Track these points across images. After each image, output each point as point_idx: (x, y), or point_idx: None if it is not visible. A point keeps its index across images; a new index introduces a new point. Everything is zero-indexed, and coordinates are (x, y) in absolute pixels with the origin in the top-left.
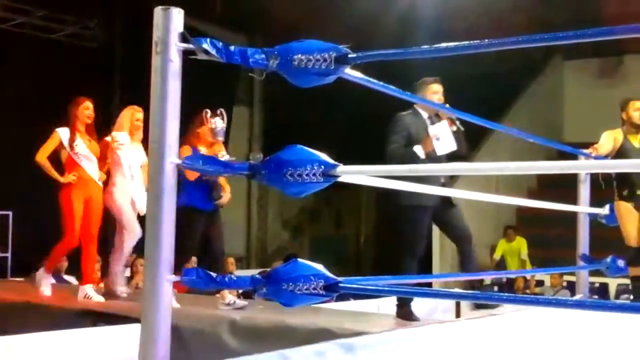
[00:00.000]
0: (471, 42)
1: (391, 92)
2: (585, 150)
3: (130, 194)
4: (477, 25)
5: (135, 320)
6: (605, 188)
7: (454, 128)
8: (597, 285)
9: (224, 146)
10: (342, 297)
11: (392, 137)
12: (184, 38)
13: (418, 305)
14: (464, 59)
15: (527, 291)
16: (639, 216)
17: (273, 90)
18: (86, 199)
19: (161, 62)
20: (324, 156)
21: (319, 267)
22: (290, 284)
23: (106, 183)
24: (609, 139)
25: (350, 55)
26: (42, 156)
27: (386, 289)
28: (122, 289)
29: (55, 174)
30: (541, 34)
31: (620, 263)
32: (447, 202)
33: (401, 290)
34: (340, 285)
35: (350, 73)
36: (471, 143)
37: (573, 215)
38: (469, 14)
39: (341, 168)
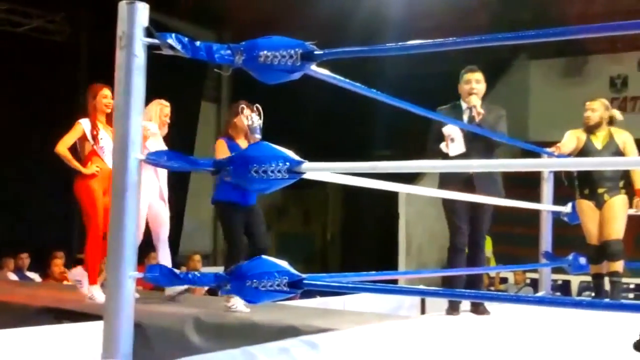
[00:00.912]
0: (436, 40)
1: (357, 90)
2: (548, 149)
3: (155, 192)
4: (445, 24)
5: (99, 317)
6: (568, 187)
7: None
8: (559, 282)
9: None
10: (308, 295)
11: (428, 143)
12: (148, 33)
13: (383, 302)
14: (432, 58)
15: (492, 288)
16: (600, 214)
17: (241, 86)
18: (105, 192)
19: (125, 57)
20: (289, 153)
21: (283, 263)
22: (254, 280)
23: None
24: (571, 138)
25: (316, 52)
26: (62, 147)
27: (350, 285)
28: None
29: (77, 165)
30: (507, 32)
31: (582, 260)
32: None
33: (365, 287)
34: (305, 282)
35: (317, 70)
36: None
37: (537, 213)
38: (437, 13)
39: (306, 165)
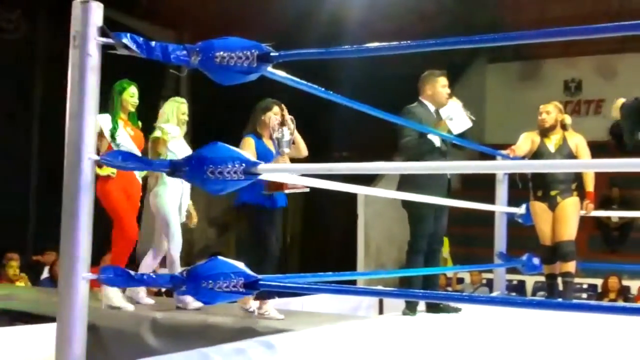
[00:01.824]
0: (392, 43)
1: (314, 92)
2: (503, 151)
3: (180, 196)
4: (404, 27)
5: (53, 319)
6: (522, 188)
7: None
8: (515, 282)
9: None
10: (267, 296)
11: (405, 129)
12: (103, 32)
13: (341, 302)
14: (391, 60)
15: (449, 288)
16: (553, 216)
17: (200, 87)
18: (126, 192)
19: (79, 56)
20: (245, 154)
21: (240, 264)
22: (210, 281)
23: (145, 179)
24: (526, 141)
25: (272, 54)
26: None
27: (306, 286)
28: (146, 299)
29: None
30: (465, 36)
31: (536, 261)
32: None
33: (321, 288)
34: (260, 282)
35: (274, 71)
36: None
37: (493, 215)
38: (396, 16)
39: (262, 166)
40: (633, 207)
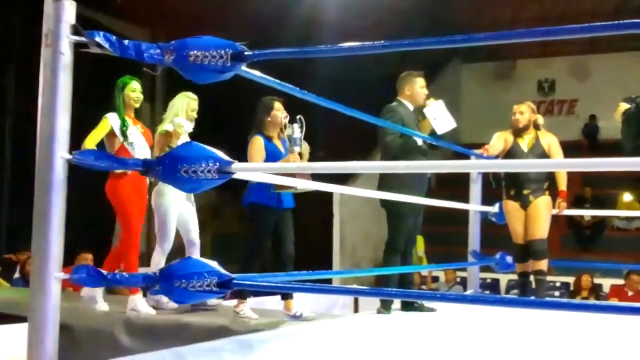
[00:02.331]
0: (365, 43)
1: (289, 91)
2: (476, 151)
3: (182, 196)
4: (380, 26)
5: (25, 319)
6: (495, 187)
7: None
8: (489, 280)
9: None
10: (243, 295)
11: (387, 128)
12: (75, 30)
13: (317, 301)
14: (368, 60)
15: (424, 287)
16: (525, 215)
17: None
18: (138, 192)
19: (51, 55)
20: (219, 153)
21: (213, 264)
22: (183, 281)
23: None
24: (499, 140)
25: (246, 53)
26: (91, 143)
27: (281, 285)
28: (170, 303)
29: None
30: (441, 36)
31: (509, 259)
32: None
33: (296, 287)
34: (234, 282)
35: (248, 71)
36: (368, 142)
37: (467, 214)
38: (373, 15)
39: (236, 165)
40: (605, 206)
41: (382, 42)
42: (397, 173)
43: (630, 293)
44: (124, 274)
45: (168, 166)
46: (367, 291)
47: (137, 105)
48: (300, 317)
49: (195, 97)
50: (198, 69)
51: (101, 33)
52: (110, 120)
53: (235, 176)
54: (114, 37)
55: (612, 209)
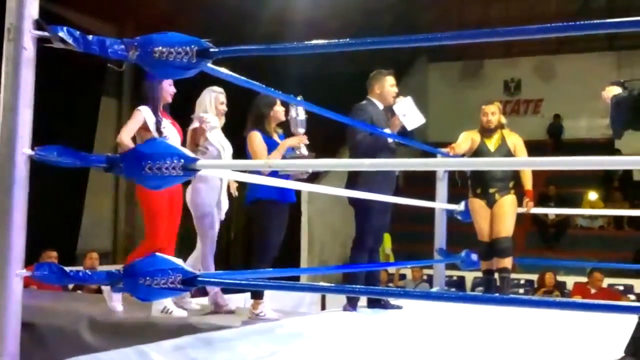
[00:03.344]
0: (332, 41)
1: (255, 88)
2: (443, 149)
3: (219, 192)
4: (350, 25)
5: None
6: (461, 186)
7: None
8: (455, 278)
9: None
10: (259, 295)
11: (357, 127)
12: (38, 25)
13: (284, 299)
14: (336, 59)
15: (391, 284)
16: (491, 213)
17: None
18: (170, 193)
19: (14, 50)
20: (184, 150)
21: (178, 261)
22: (148, 278)
23: None
24: (466, 139)
25: (212, 50)
26: (127, 136)
27: (245, 282)
28: (193, 302)
29: None
30: (409, 35)
31: (474, 257)
32: None
33: (263, 284)
34: (199, 279)
35: (215, 68)
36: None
37: (434, 212)
38: (342, 14)
39: (201, 162)
40: (569, 205)
41: (348, 39)
42: (365, 171)
43: (593, 291)
44: (87, 271)
45: (132, 163)
46: (333, 288)
47: (170, 100)
48: (264, 317)
49: (222, 90)
50: (163, 65)
51: (65, 28)
52: (143, 113)
53: (200, 173)
54: (78, 33)
55: (576, 208)
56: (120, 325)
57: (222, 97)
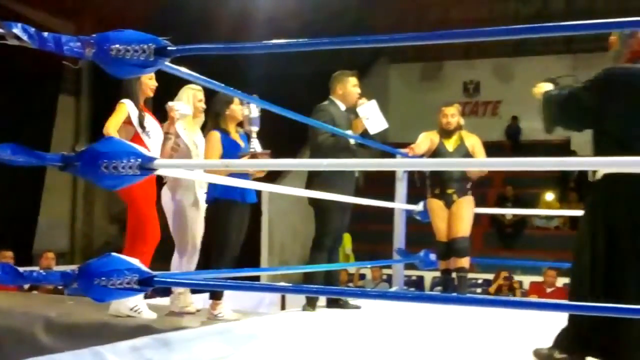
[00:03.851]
0: (291, 40)
1: (214, 87)
2: (402, 150)
3: (195, 193)
4: (310, 25)
5: None
6: (420, 186)
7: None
8: (414, 278)
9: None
10: (217, 295)
11: (319, 136)
12: None
13: (244, 299)
14: (296, 59)
15: (351, 284)
16: (449, 213)
17: (101, 79)
18: (149, 188)
19: None
20: (141, 149)
21: (134, 261)
22: (103, 278)
23: None
24: (425, 140)
25: (170, 48)
26: (113, 129)
27: (202, 283)
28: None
29: None
30: (369, 36)
31: (432, 257)
32: None
33: (222, 284)
34: (155, 279)
35: (173, 66)
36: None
37: (393, 212)
38: (302, 14)
39: (158, 161)
40: (526, 205)
41: (308, 39)
42: (325, 171)
43: (548, 290)
44: (42, 271)
45: (88, 162)
46: (291, 288)
47: (152, 94)
48: (223, 318)
49: (200, 87)
50: (120, 63)
51: (19, 25)
52: (128, 106)
53: (157, 173)
54: (33, 30)
55: (532, 208)
56: (77, 326)
57: (200, 95)
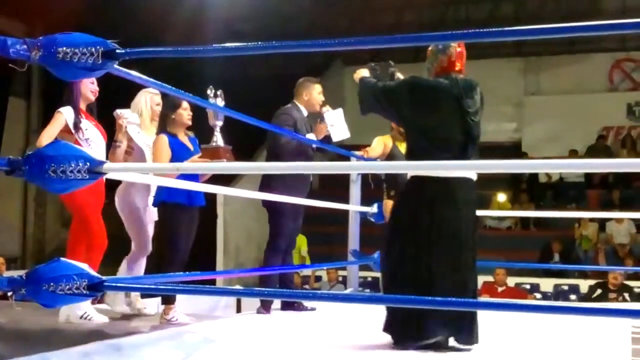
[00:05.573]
0: (247, 44)
1: (167, 91)
2: (357, 153)
3: (148, 195)
4: (264, 29)
5: None
6: (375, 188)
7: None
8: (369, 279)
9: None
10: (170, 300)
11: (280, 139)
12: None
13: (199, 302)
14: (252, 62)
15: (306, 286)
16: None
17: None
18: (96, 195)
19: None
20: (89, 152)
21: (83, 266)
22: (52, 284)
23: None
24: (379, 144)
25: (118, 51)
26: (47, 140)
27: (154, 287)
28: (124, 308)
29: None
30: (324, 39)
31: None
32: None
33: (175, 289)
34: (105, 284)
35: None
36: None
37: (347, 214)
38: (257, 17)
39: (107, 165)
40: (482, 207)
41: (262, 43)
42: (279, 174)
43: (499, 289)
44: None
45: (35, 166)
46: (244, 292)
47: (93, 99)
48: (176, 322)
49: (157, 91)
50: (67, 66)
51: None
52: (65, 115)
53: (107, 176)
54: None
55: (485, 209)
56: (27, 332)
57: (158, 99)
